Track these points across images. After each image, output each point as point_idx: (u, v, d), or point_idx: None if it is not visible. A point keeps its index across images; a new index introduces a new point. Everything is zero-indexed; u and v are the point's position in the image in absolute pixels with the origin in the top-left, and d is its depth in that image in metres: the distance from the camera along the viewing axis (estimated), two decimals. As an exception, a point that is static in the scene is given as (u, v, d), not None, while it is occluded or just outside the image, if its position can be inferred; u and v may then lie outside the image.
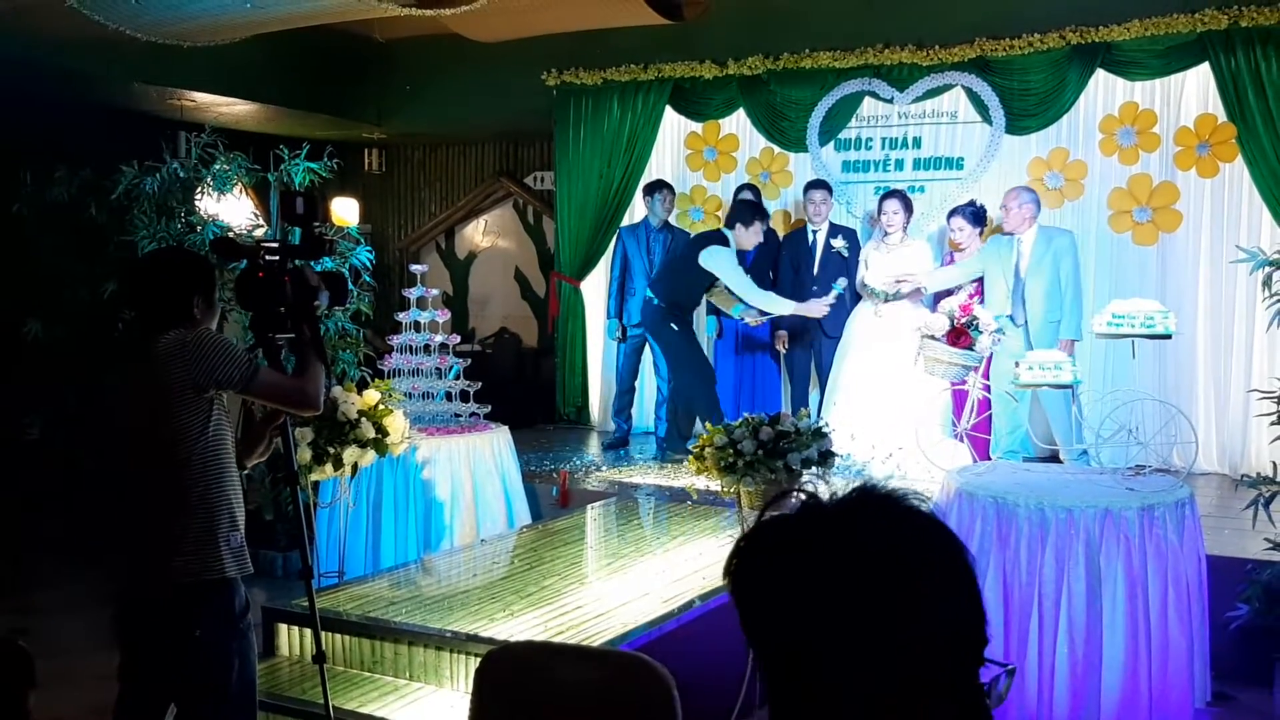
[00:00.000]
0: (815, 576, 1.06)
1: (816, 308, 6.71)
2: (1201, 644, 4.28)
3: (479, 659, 1.84)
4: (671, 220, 8.22)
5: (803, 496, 1.14)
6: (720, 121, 8.34)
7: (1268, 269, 4.39)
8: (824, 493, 1.17)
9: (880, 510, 1.10)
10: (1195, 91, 6.95)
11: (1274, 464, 4.39)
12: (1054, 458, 6.17)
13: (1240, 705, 4.44)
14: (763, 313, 6.77)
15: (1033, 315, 6.39)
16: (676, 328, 6.88)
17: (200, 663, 2.92)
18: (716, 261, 6.67)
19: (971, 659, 1.09)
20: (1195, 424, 6.76)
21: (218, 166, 6.42)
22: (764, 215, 6.95)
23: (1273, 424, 4.29)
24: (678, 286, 6.87)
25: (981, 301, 6.55)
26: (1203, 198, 6.93)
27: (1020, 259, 6.44)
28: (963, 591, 1.09)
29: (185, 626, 2.92)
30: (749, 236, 6.75)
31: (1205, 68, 6.81)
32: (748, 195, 7.50)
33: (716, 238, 6.83)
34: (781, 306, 6.73)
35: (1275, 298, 4.35)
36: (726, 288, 6.76)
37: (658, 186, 7.75)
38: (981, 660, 1.10)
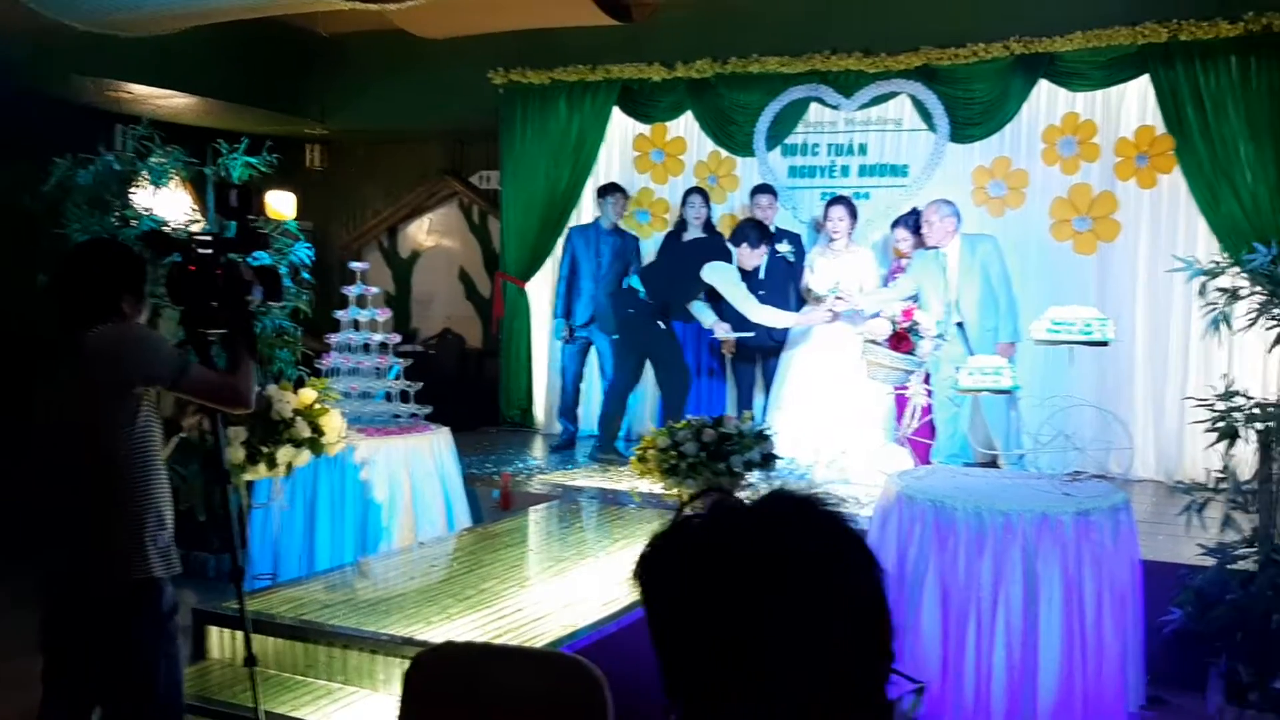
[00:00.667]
0: (728, 577, 1.04)
1: (818, 315, 6.67)
2: (1136, 648, 4.32)
3: (410, 662, 1.81)
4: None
5: (720, 497, 1.13)
6: (668, 124, 8.33)
7: (1203, 278, 4.45)
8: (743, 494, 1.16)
9: (797, 513, 1.09)
10: (1135, 103, 7.06)
11: (1207, 470, 4.44)
12: (995, 463, 6.22)
13: (1173, 709, 4.49)
14: (738, 328, 6.71)
15: (969, 324, 6.42)
16: (664, 326, 6.85)
17: (126, 664, 2.85)
18: (719, 276, 6.60)
19: (880, 670, 1.08)
20: (1133, 430, 6.86)
21: (154, 160, 6.28)
22: (770, 239, 6.88)
23: (1206, 431, 4.34)
24: (673, 289, 6.80)
25: None
26: (1141, 208, 7.04)
27: (948, 270, 6.46)
28: (874, 600, 1.08)
29: (111, 627, 2.84)
30: (752, 258, 6.71)
31: (1145, 80, 6.92)
32: (701, 214, 7.42)
33: (722, 253, 6.75)
34: (784, 320, 6.69)
35: (1210, 306, 4.40)
36: (727, 301, 6.67)
37: (611, 189, 7.72)
38: (889, 673, 1.08)
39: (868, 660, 1.06)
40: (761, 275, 6.92)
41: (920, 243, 6.74)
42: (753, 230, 6.75)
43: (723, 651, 1.03)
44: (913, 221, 6.82)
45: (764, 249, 6.73)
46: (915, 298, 6.55)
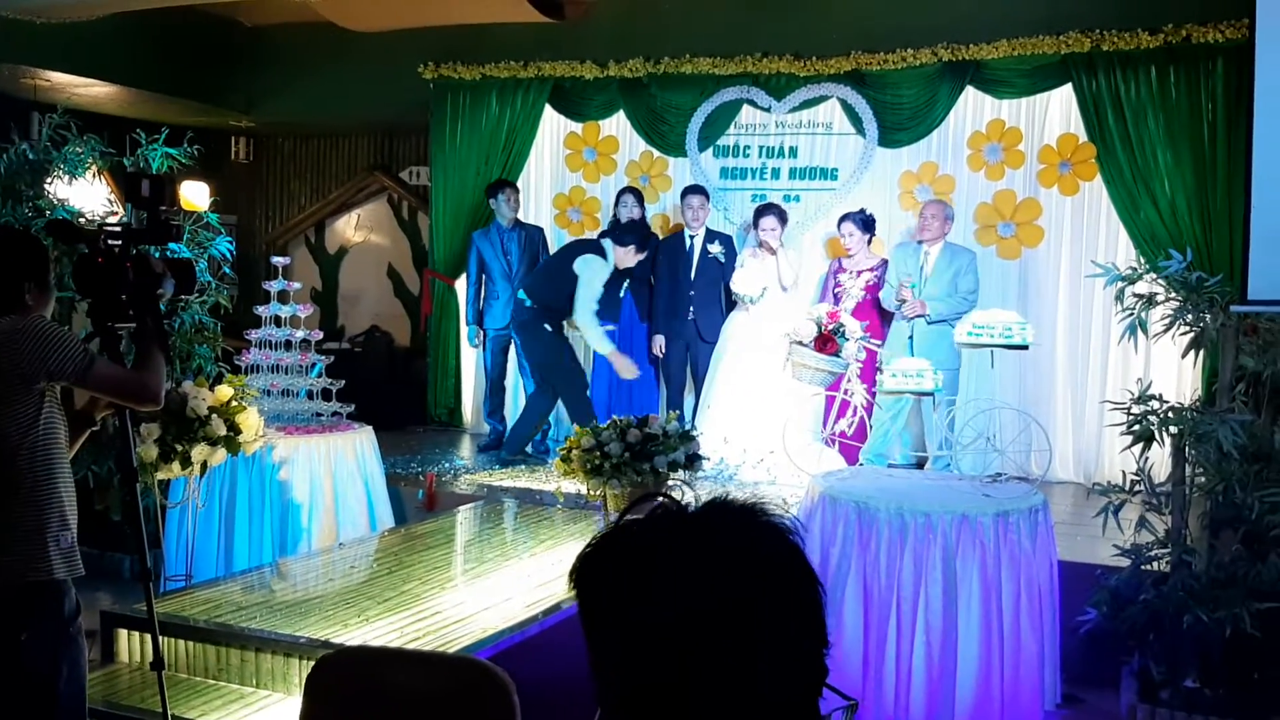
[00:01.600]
0: (662, 581, 1.03)
1: (625, 365, 6.71)
2: (1052, 647, 4.39)
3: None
4: (547, 221, 8.15)
5: (663, 502, 1.12)
6: (600, 123, 8.29)
7: (1121, 284, 4.53)
8: (688, 499, 1.15)
9: (738, 521, 1.08)
10: (1059, 111, 7.18)
11: (1123, 473, 4.52)
12: (922, 465, 6.31)
13: (1088, 707, 4.57)
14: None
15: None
16: (550, 329, 6.80)
17: (25, 668, 2.75)
18: (586, 270, 6.62)
19: (813, 683, 1.06)
20: (1053, 433, 6.98)
21: (70, 149, 6.11)
22: (644, 242, 6.88)
23: (1122, 434, 4.42)
24: (550, 289, 6.78)
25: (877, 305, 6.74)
26: (1064, 214, 7.16)
27: (925, 266, 6.60)
28: (811, 613, 1.06)
29: (10, 629, 2.75)
30: (624, 257, 6.73)
31: (1069, 89, 7.04)
32: (634, 213, 7.42)
33: (594, 247, 6.77)
34: (602, 345, 6.73)
35: (1126, 312, 4.48)
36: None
37: (500, 186, 7.68)
38: (822, 688, 1.07)
39: (799, 673, 1.05)
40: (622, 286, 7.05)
41: (867, 239, 6.84)
42: (632, 233, 6.79)
43: (652, 656, 1.02)
44: (859, 218, 6.90)
45: (634, 250, 6.78)
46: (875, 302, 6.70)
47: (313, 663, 3.46)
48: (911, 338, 6.47)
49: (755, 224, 7.01)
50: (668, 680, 1.01)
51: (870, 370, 6.54)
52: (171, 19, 7.82)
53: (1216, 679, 4.19)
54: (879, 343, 6.59)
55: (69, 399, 2.96)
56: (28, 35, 7.02)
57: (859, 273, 6.86)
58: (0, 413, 2.76)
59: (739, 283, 6.86)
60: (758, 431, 6.52)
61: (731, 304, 7.10)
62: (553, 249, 7.70)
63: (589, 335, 6.70)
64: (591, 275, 6.60)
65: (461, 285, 8.50)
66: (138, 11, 7.19)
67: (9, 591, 2.74)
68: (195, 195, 5.12)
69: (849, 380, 6.37)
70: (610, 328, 6.87)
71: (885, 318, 6.82)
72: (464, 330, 8.30)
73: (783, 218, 6.99)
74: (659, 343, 7.35)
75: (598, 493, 4.18)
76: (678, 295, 7.26)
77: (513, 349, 7.62)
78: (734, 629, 1.01)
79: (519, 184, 8.13)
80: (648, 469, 4.08)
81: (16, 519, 2.76)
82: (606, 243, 6.81)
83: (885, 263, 6.91)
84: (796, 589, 1.06)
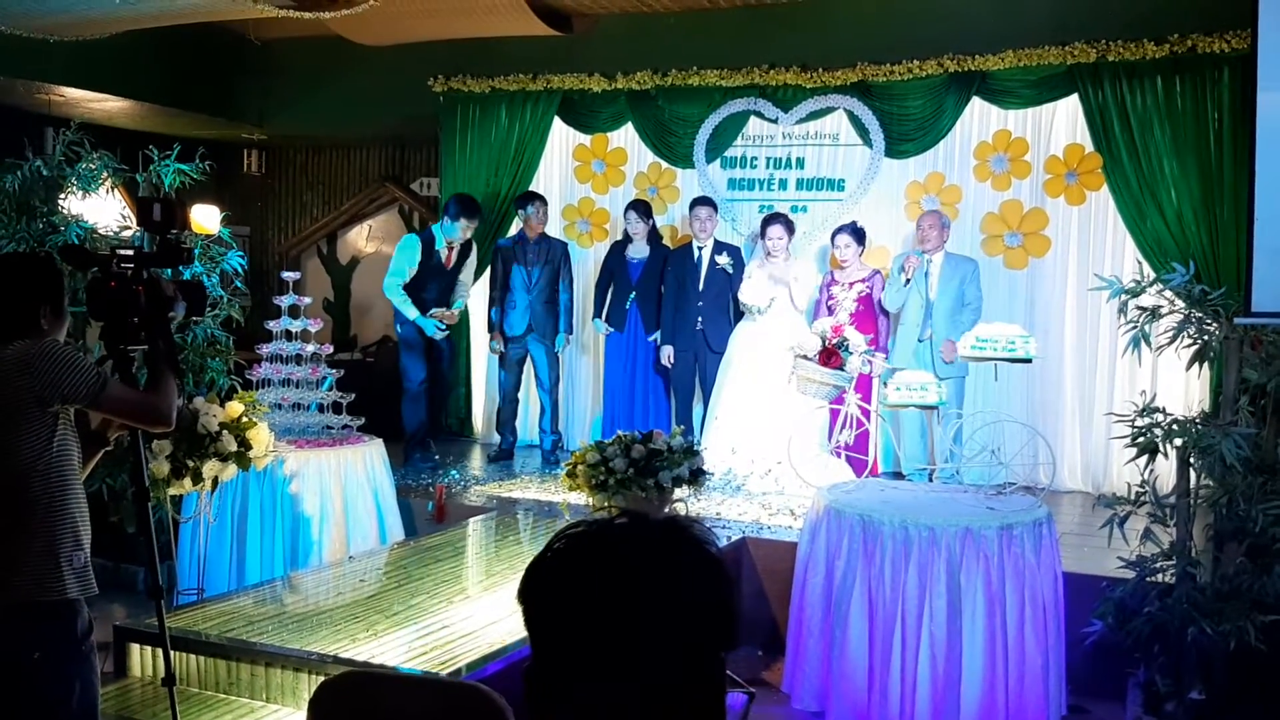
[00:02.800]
0: (575, 586, 1.19)
1: (444, 314, 7.25)
2: (1057, 659, 4.41)
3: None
4: (557, 232, 8.20)
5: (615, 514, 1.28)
6: (609, 135, 8.35)
7: (1124, 297, 4.54)
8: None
9: (660, 532, 1.22)
10: (1065, 122, 7.20)
11: (1128, 485, 4.54)
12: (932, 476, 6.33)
13: (1094, 719, 4.58)
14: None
15: (938, 334, 6.61)
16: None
17: (37, 687, 2.79)
18: (398, 251, 7.30)
19: (715, 673, 1.20)
20: (1061, 444, 7.01)
21: (83, 165, 6.17)
22: (465, 211, 7.26)
23: (1126, 446, 4.43)
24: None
25: (882, 318, 6.77)
26: (1070, 224, 7.18)
27: (930, 278, 6.66)
28: (714, 610, 1.20)
29: (23, 649, 2.79)
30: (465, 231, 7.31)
31: (1075, 99, 7.05)
32: (638, 228, 7.53)
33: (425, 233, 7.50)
34: (409, 312, 7.22)
35: (1130, 324, 4.50)
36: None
37: (529, 198, 7.71)
38: (722, 676, 1.21)
39: (704, 662, 1.19)
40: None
41: (859, 251, 6.89)
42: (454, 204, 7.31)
43: (574, 640, 1.17)
44: (853, 229, 6.94)
45: (472, 221, 7.29)
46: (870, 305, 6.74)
47: (320, 677, 3.53)
48: (932, 353, 6.52)
49: (762, 233, 7.05)
50: (583, 661, 1.16)
51: (866, 381, 6.57)
52: (183, 34, 7.89)
53: (1221, 691, 4.21)
54: (883, 355, 6.61)
55: (82, 420, 3.01)
56: (41, 52, 7.10)
57: (851, 284, 6.88)
58: (14, 435, 2.81)
59: (747, 293, 6.89)
60: (765, 442, 6.55)
61: (739, 314, 7.13)
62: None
63: (399, 303, 7.22)
64: (400, 254, 7.24)
65: (472, 296, 8.53)
66: (149, 28, 7.26)
67: (22, 611, 2.79)
68: (206, 219, 5.17)
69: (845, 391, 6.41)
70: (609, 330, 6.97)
71: (879, 328, 6.84)
72: (476, 341, 8.36)
73: (789, 227, 7.03)
74: (667, 353, 7.38)
75: (603, 507, 4.22)
76: (686, 306, 7.30)
77: (529, 360, 7.66)
78: (640, 618, 1.16)
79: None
80: (652, 484, 4.11)
81: (30, 539, 2.81)
82: (436, 227, 7.37)
83: (876, 273, 6.95)
84: (702, 588, 1.20)
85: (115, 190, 6.95)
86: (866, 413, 6.35)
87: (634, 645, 1.15)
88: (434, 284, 7.28)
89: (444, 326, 7.30)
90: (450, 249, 7.32)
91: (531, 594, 1.22)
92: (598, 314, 7.67)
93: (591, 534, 1.22)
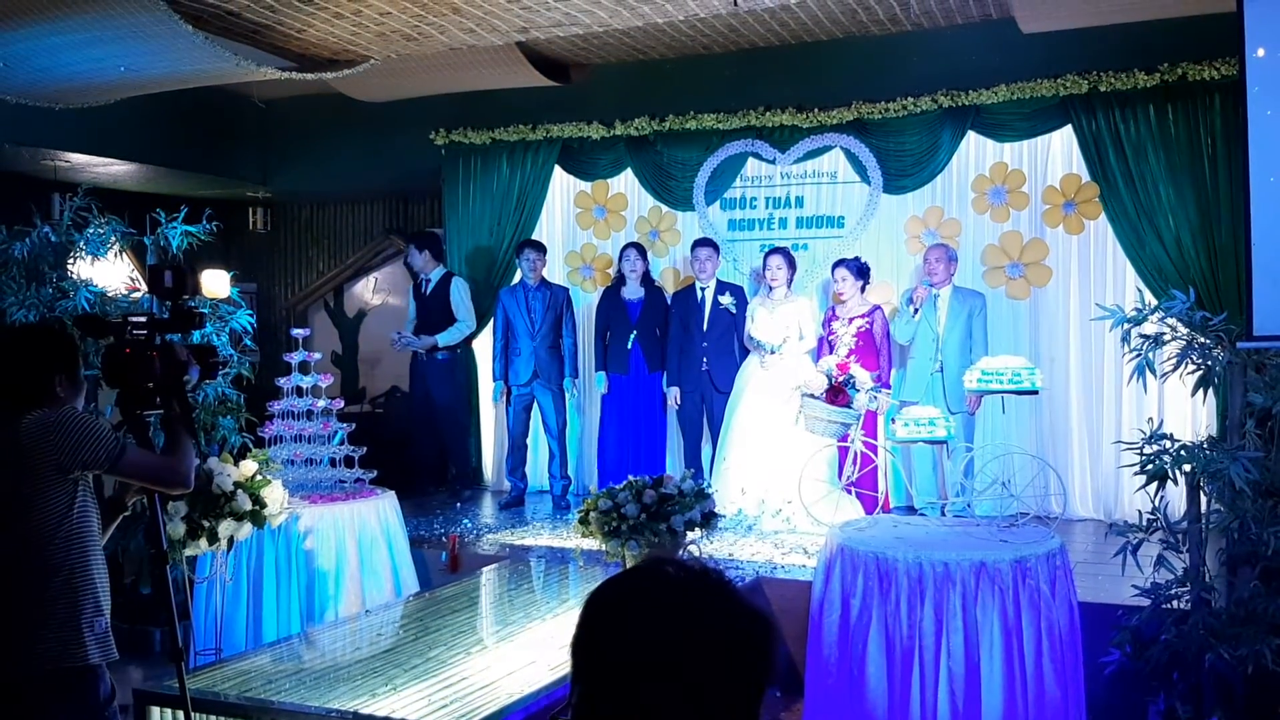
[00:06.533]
0: (625, 626, 1.26)
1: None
2: (1076, 690, 4.39)
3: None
4: (561, 278, 8.26)
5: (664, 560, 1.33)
6: (609, 181, 8.43)
7: (1126, 325, 4.58)
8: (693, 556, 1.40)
9: (706, 592, 1.28)
10: (1060, 152, 7.27)
11: (1139, 512, 4.55)
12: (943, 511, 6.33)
13: (1115, 748, 4.56)
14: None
15: (949, 367, 6.64)
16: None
17: (63, 754, 2.81)
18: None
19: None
20: (1070, 471, 7.02)
21: (91, 230, 6.25)
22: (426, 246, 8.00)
23: (1135, 474, 4.45)
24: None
25: (884, 353, 6.81)
26: (1070, 253, 7.23)
27: (939, 311, 6.74)
28: (741, 686, 1.25)
29: (47, 717, 2.81)
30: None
31: (1069, 129, 7.12)
32: (637, 268, 7.64)
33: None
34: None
35: (1134, 353, 4.53)
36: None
37: (525, 246, 7.82)
38: None
39: (743, 705, 1.25)
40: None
41: (860, 286, 6.93)
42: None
43: (619, 682, 1.25)
44: (854, 265, 6.98)
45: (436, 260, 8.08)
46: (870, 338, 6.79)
47: (342, 734, 3.54)
48: (944, 386, 6.56)
49: (764, 266, 7.11)
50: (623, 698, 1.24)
51: (871, 417, 6.58)
52: (185, 98, 8.00)
53: (1241, 716, 4.19)
54: (889, 391, 6.64)
55: (99, 487, 3.05)
56: (46, 119, 7.21)
57: (851, 319, 6.92)
58: (35, 502, 2.85)
59: (760, 331, 6.93)
60: (775, 481, 6.56)
61: (744, 353, 7.17)
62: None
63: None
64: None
65: (479, 344, 8.60)
66: (151, 93, 7.37)
67: (44, 678, 2.81)
68: (216, 284, 5.24)
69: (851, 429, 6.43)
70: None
71: (880, 364, 6.87)
72: (484, 389, 8.41)
73: (790, 261, 7.08)
74: (674, 395, 7.42)
75: (616, 554, 4.23)
76: (691, 347, 7.35)
77: (536, 407, 7.71)
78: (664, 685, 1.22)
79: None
80: (664, 529, 4.13)
81: (51, 606, 2.84)
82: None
83: (877, 309, 6.99)
84: (742, 663, 1.26)
85: (123, 254, 7.04)
86: (873, 448, 6.37)
87: (679, 691, 1.21)
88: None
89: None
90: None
91: (584, 636, 1.29)
92: (599, 365, 7.71)
93: (638, 580, 1.29)
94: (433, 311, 7.99)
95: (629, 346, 7.56)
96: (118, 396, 3.18)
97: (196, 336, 5.41)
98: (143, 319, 3.18)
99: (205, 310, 5.60)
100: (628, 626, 1.26)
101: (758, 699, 1.27)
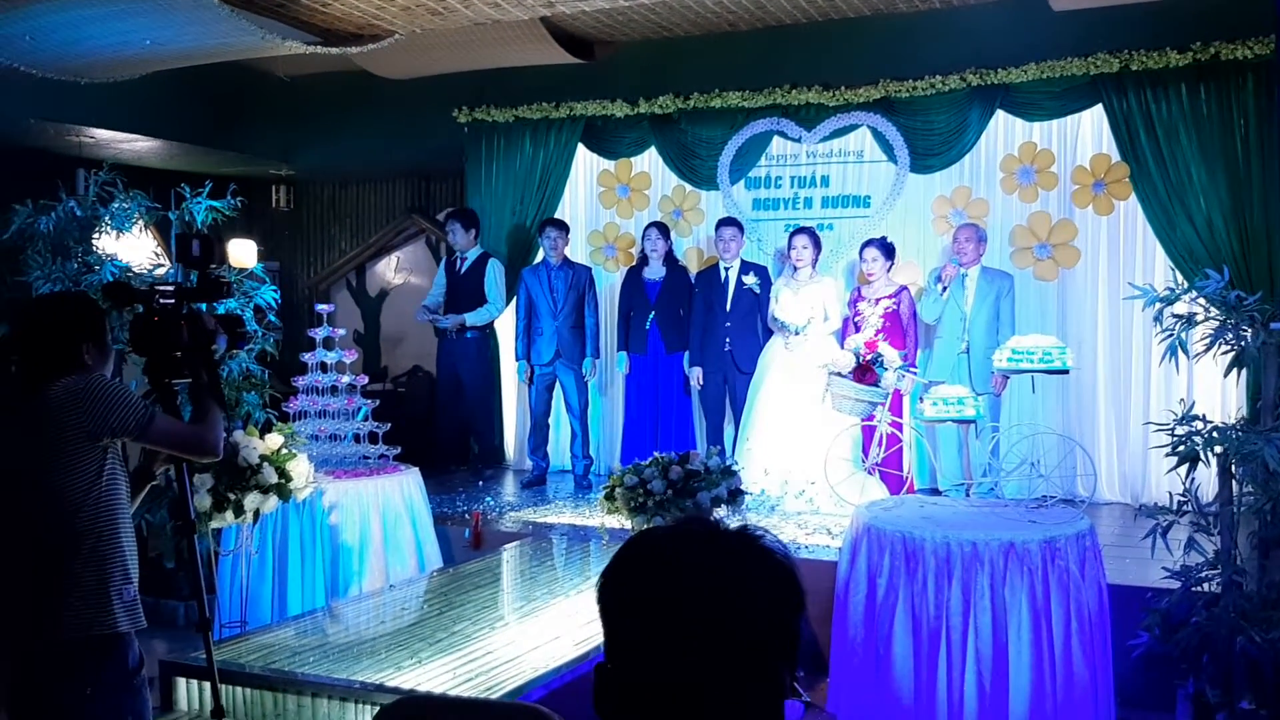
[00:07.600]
0: (648, 585, 1.24)
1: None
2: (1105, 672, 4.36)
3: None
4: (583, 258, 8.23)
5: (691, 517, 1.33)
6: (632, 159, 8.38)
7: (1159, 305, 4.52)
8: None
9: (735, 544, 1.27)
10: (1090, 132, 7.19)
11: (1170, 494, 4.50)
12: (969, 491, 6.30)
13: (1143, 732, 4.53)
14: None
15: (975, 347, 6.58)
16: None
17: (91, 721, 2.81)
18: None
19: (774, 701, 1.26)
20: (1098, 454, 6.95)
21: (116, 205, 6.25)
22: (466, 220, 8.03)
23: (1166, 455, 4.40)
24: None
25: (910, 333, 6.77)
26: (1100, 234, 7.15)
27: (966, 291, 6.69)
28: (779, 622, 1.26)
29: (75, 684, 2.81)
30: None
31: (1099, 109, 7.04)
32: (659, 247, 7.60)
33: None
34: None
35: (1166, 333, 4.47)
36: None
37: (547, 225, 7.78)
38: (790, 684, 1.27)
39: (768, 665, 1.25)
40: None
41: (888, 265, 6.88)
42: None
43: (643, 638, 1.22)
44: (882, 244, 6.93)
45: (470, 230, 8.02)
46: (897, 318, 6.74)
47: (367, 706, 3.54)
48: (970, 366, 6.52)
49: (789, 245, 7.06)
50: (655, 645, 1.20)
51: (897, 397, 6.54)
52: (208, 75, 8.01)
53: (1272, 700, 4.15)
54: (916, 371, 6.59)
55: (125, 458, 3.04)
56: (72, 95, 7.22)
57: (877, 300, 6.87)
58: (64, 470, 2.84)
59: (786, 312, 6.88)
60: (798, 462, 6.53)
61: (768, 334, 7.13)
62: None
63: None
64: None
65: (501, 324, 8.59)
66: (176, 68, 7.37)
67: (74, 646, 2.81)
68: (242, 253, 5.23)
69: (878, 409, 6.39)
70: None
71: (906, 344, 6.82)
72: (506, 368, 8.40)
73: (816, 241, 7.03)
74: (697, 375, 7.39)
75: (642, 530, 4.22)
76: (714, 327, 7.31)
77: (558, 386, 7.70)
78: (711, 617, 1.21)
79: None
80: (690, 505, 4.12)
81: (80, 574, 2.83)
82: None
83: (904, 289, 6.93)
84: (764, 599, 1.25)
85: (148, 229, 7.04)
86: (899, 427, 6.33)
87: (701, 645, 1.19)
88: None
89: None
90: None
91: (607, 591, 1.27)
92: (622, 345, 7.69)
93: (667, 536, 1.28)
94: (465, 290, 7.95)
95: (647, 327, 7.53)
96: (145, 365, 3.17)
97: (221, 309, 5.41)
98: (170, 287, 3.17)
99: (232, 280, 5.60)
100: (645, 578, 1.25)
101: (791, 648, 1.27)
